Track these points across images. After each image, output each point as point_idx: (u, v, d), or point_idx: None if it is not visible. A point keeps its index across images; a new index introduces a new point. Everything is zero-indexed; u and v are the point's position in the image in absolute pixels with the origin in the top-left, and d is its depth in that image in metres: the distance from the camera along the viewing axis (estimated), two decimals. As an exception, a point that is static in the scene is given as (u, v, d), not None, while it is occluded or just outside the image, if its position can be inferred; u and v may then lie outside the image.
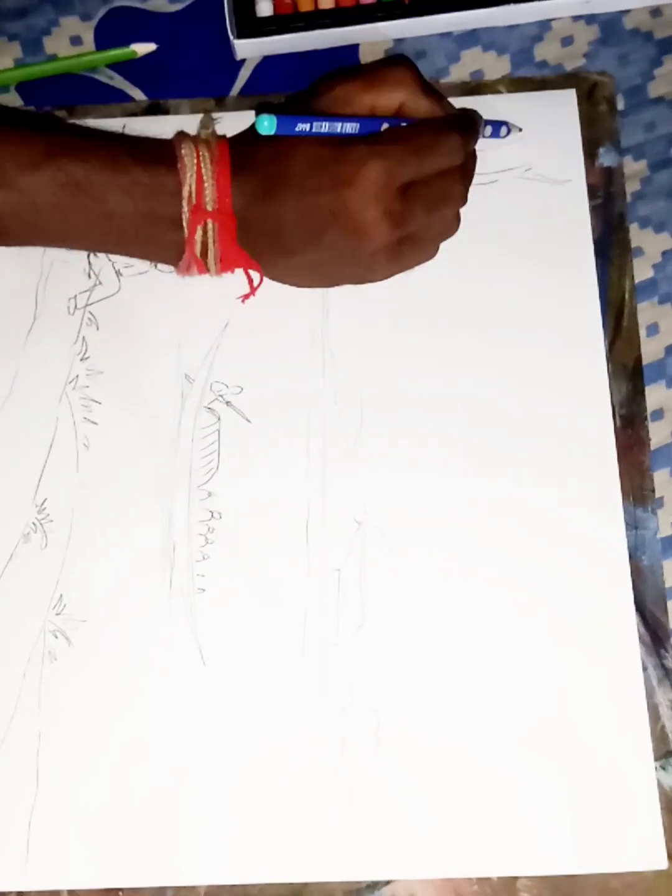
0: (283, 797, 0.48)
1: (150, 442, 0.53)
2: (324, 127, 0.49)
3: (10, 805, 0.49)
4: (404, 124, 0.50)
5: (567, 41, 0.59)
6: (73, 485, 0.52)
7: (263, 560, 0.51)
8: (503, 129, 0.55)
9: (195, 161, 0.50)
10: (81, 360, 0.54)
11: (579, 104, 0.57)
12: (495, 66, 0.59)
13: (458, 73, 0.59)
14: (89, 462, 0.53)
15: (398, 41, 0.59)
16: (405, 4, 0.58)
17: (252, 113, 0.58)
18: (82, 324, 0.55)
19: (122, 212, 0.50)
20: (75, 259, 0.56)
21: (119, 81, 0.59)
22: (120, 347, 0.54)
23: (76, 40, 0.60)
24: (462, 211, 0.53)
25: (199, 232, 0.50)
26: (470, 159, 0.52)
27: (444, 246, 0.54)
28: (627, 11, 0.59)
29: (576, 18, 0.59)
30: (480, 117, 0.54)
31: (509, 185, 0.55)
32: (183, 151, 0.50)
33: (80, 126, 0.54)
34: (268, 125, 0.47)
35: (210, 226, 0.50)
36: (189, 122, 0.57)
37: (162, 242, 0.51)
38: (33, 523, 0.52)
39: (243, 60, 0.59)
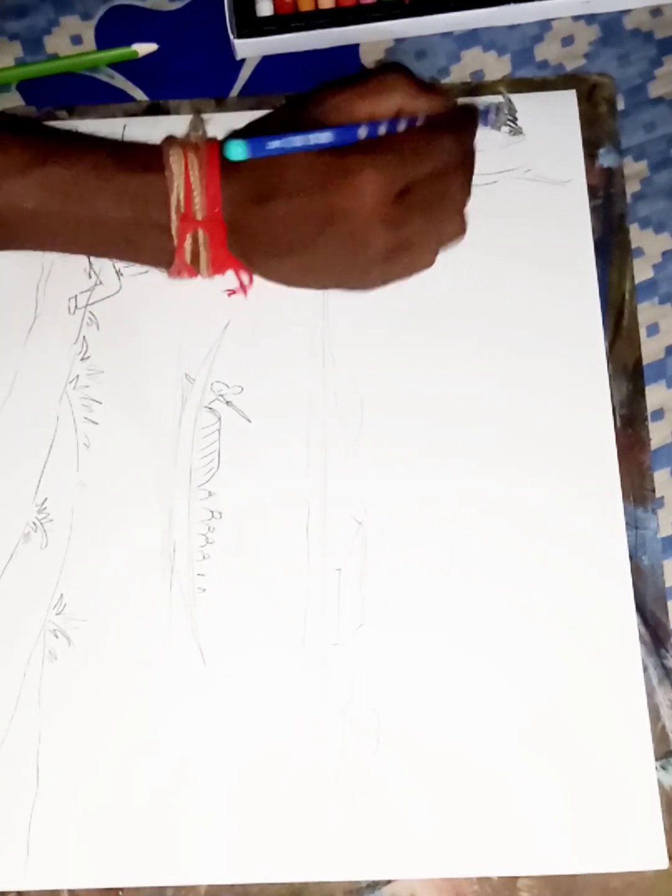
0: (284, 797, 0.48)
1: (150, 442, 0.53)
2: (296, 141, 0.48)
3: (10, 805, 0.49)
4: (388, 127, 0.49)
5: (567, 41, 0.59)
6: (73, 484, 0.52)
7: (264, 560, 0.51)
8: (490, 116, 0.54)
9: (183, 168, 0.49)
10: (82, 359, 0.54)
11: (579, 105, 0.57)
12: (495, 66, 0.59)
13: (459, 73, 0.59)
14: (90, 462, 0.53)
15: (398, 41, 0.59)
16: (405, 4, 0.58)
17: (252, 114, 0.57)
18: (83, 323, 0.55)
19: (110, 218, 0.49)
20: (76, 258, 0.55)
21: (120, 81, 0.59)
22: (120, 347, 0.54)
23: (76, 39, 0.60)
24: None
25: (189, 239, 0.50)
26: (468, 156, 0.51)
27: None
28: (628, 11, 0.59)
29: (576, 18, 0.59)
30: (478, 110, 0.53)
31: (509, 185, 0.55)
32: (171, 159, 0.49)
33: (69, 131, 0.53)
34: (239, 151, 0.46)
35: (200, 234, 0.50)
36: (189, 123, 0.57)
37: (151, 248, 0.51)
38: (33, 523, 0.52)
39: (243, 60, 0.59)
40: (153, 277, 0.55)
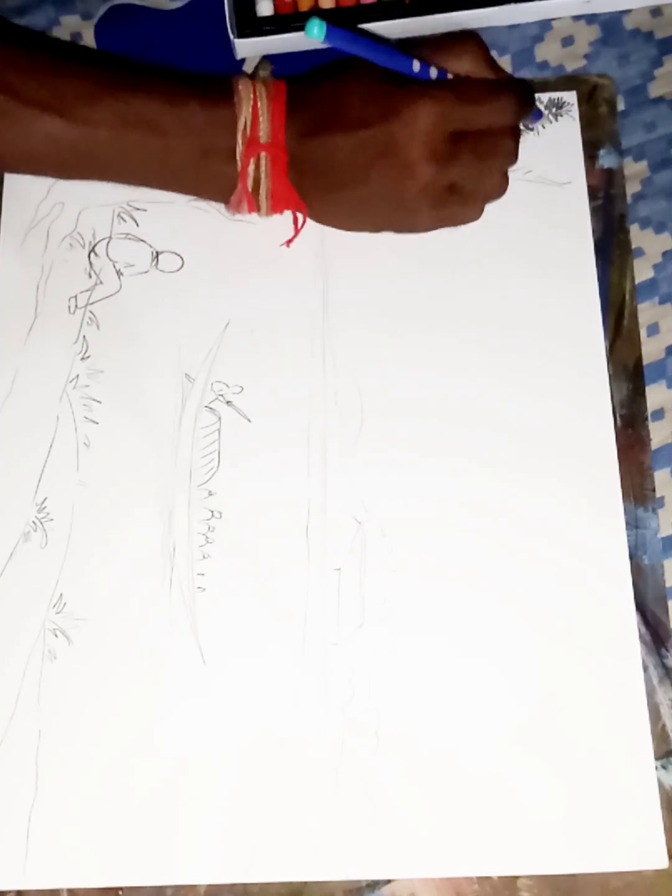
0: (284, 796, 0.48)
1: (150, 441, 0.53)
2: (375, 51, 0.49)
3: (10, 804, 0.49)
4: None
5: (567, 41, 0.59)
6: (73, 484, 0.52)
7: (263, 559, 0.51)
8: (538, 116, 0.56)
9: (252, 96, 0.51)
10: (82, 359, 0.54)
11: (580, 106, 0.58)
12: (496, 66, 0.59)
13: (459, 73, 0.59)
14: (90, 461, 0.53)
15: (399, 41, 0.59)
16: (405, 4, 0.58)
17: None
18: (83, 323, 0.55)
19: (179, 145, 0.50)
20: (76, 259, 0.56)
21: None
22: (120, 347, 0.54)
23: (76, 37, 0.60)
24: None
25: (252, 165, 0.51)
26: (517, 126, 0.53)
27: (444, 247, 0.54)
28: (628, 11, 0.59)
29: (576, 18, 0.60)
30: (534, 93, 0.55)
31: (510, 186, 0.55)
32: (240, 87, 0.51)
33: (140, 62, 0.54)
34: (317, 31, 0.47)
35: (263, 159, 0.51)
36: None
37: (215, 176, 0.52)
38: (33, 522, 0.52)
39: (243, 60, 0.59)
40: (153, 277, 0.55)
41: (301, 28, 0.57)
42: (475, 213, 0.54)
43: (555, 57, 0.59)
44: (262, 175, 0.52)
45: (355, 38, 0.49)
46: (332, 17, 0.57)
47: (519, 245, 0.56)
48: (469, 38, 0.52)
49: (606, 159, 0.57)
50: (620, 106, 0.58)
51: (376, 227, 0.54)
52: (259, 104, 0.50)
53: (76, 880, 0.48)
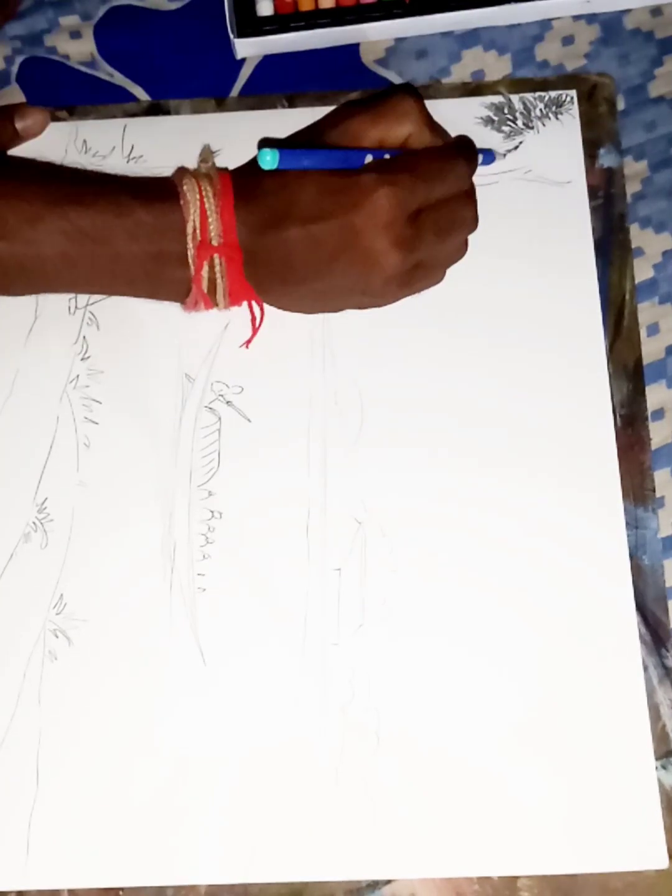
0: (284, 797, 0.48)
1: (150, 442, 0.53)
2: (327, 160, 0.48)
3: (10, 804, 0.49)
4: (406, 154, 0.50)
5: (568, 41, 0.59)
6: (73, 484, 0.52)
7: (264, 559, 0.51)
8: (490, 157, 0.55)
9: (198, 196, 0.49)
10: (82, 359, 0.54)
11: (580, 105, 0.58)
12: (496, 65, 0.59)
13: (460, 73, 0.59)
14: (90, 461, 0.53)
15: (399, 41, 0.59)
16: (406, 4, 0.58)
17: (251, 114, 0.58)
18: (83, 323, 0.55)
19: (128, 254, 0.49)
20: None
21: (120, 80, 0.59)
22: (120, 347, 0.54)
23: (76, 37, 0.60)
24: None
25: (206, 268, 0.50)
26: (472, 191, 0.52)
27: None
28: (628, 11, 0.59)
29: (576, 18, 0.59)
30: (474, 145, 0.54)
31: (510, 186, 0.55)
32: (184, 187, 0.49)
33: (79, 170, 0.53)
34: (270, 160, 0.46)
35: (216, 261, 0.50)
36: (190, 123, 0.57)
37: (169, 281, 0.50)
38: (34, 523, 0.52)
39: (243, 60, 0.59)
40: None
41: (301, 28, 0.58)
42: (439, 278, 0.53)
43: (555, 56, 0.59)
44: (218, 276, 0.50)
45: (306, 154, 0.48)
46: (332, 17, 0.58)
47: (519, 244, 0.55)
48: (405, 99, 0.50)
49: (606, 159, 0.57)
50: (620, 105, 0.58)
51: (338, 310, 0.53)
52: (206, 204, 0.49)
53: (77, 881, 0.48)
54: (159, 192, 0.50)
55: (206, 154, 0.56)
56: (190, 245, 0.49)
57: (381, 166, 0.49)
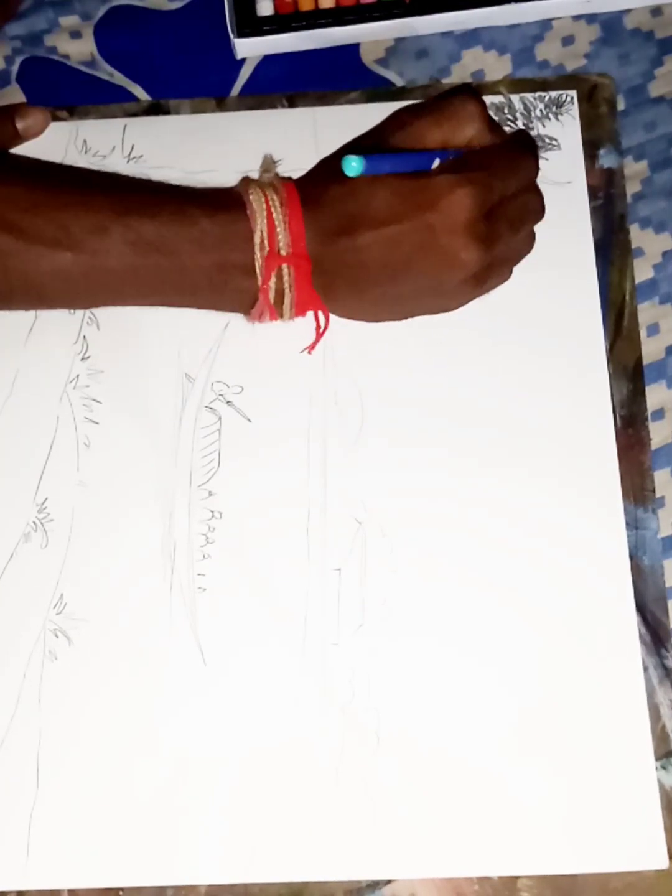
0: (284, 797, 0.48)
1: (150, 441, 0.53)
2: (404, 163, 0.48)
3: (10, 804, 0.49)
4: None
5: (568, 41, 0.59)
6: (73, 484, 0.52)
7: (264, 559, 0.51)
8: None
9: (264, 205, 0.48)
10: (82, 359, 0.54)
11: (580, 105, 0.58)
12: (496, 65, 0.59)
13: (459, 73, 0.59)
14: (90, 461, 0.53)
15: (399, 41, 0.59)
16: (406, 3, 0.58)
17: (251, 114, 0.58)
18: (83, 323, 0.55)
19: (193, 264, 0.48)
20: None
21: (120, 79, 0.59)
22: (121, 347, 0.54)
23: (76, 37, 0.60)
24: None
25: (273, 278, 0.49)
26: (537, 184, 0.52)
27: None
28: (628, 11, 0.59)
29: (576, 18, 0.60)
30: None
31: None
32: (251, 197, 0.49)
33: (142, 180, 0.53)
34: (356, 166, 0.45)
35: (285, 271, 0.49)
36: (190, 123, 0.57)
37: (234, 291, 0.50)
38: (34, 522, 0.52)
39: (243, 60, 0.59)
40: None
41: (301, 28, 0.58)
42: (508, 277, 0.53)
43: (555, 56, 0.59)
44: (286, 286, 0.50)
45: (386, 159, 0.48)
46: (332, 17, 0.58)
47: (519, 245, 0.56)
48: (469, 100, 0.50)
49: (606, 159, 0.57)
50: (620, 105, 0.58)
51: (407, 316, 0.53)
52: (274, 214, 0.48)
53: (77, 881, 0.48)
54: (223, 201, 0.49)
55: (268, 164, 0.56)
56: (258, 255, 0.48)
57: (456, 166, 0.48)
